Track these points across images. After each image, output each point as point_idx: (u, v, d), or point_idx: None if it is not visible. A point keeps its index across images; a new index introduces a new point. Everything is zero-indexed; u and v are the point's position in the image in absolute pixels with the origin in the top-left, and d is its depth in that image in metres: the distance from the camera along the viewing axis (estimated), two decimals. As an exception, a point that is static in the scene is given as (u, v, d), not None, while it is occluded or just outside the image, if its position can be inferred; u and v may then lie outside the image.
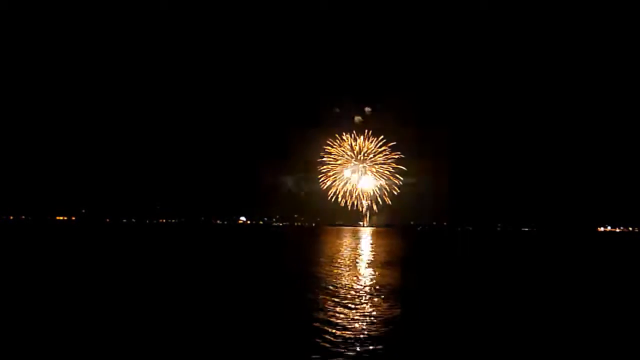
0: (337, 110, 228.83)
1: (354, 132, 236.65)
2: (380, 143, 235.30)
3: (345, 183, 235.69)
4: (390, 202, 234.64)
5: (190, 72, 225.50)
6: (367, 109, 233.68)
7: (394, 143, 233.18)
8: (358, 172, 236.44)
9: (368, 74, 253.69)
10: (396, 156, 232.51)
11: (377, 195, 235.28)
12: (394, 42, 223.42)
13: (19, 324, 10.34)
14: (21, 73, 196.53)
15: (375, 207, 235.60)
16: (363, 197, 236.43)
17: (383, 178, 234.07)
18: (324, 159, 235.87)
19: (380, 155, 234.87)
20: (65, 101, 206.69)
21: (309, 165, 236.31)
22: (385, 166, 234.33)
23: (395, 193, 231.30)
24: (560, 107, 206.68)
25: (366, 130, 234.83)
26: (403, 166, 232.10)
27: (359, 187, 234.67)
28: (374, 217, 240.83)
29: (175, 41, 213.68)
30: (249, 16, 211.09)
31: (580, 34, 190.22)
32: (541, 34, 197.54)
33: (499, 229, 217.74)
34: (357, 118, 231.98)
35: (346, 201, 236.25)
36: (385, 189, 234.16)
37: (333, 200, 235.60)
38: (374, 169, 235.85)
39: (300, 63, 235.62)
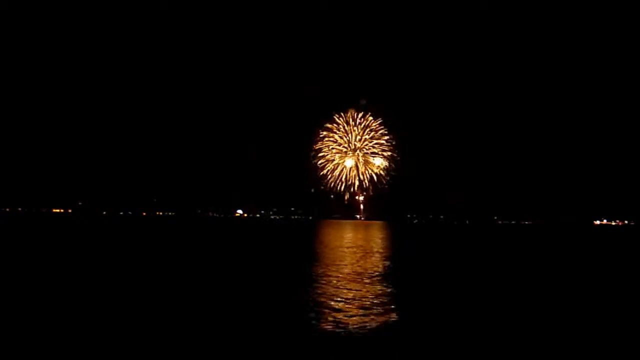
0: (364, 102, 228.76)
1: (350, 121, 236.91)
2: (376, 132, 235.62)
3: (340, 171, 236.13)
4: (386, 196, 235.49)
5: (186, 68, 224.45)
6: (363, 102, 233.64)
7: (389, 137, 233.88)
8: (353, 160, 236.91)
9: (368, 72, 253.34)
10: (389, 149, 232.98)
11: (373, 186, 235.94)
12: (393, 39, 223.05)
13: (16, 321, 10.09)
14: (19, 69, 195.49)
15: (370, 193, 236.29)
16: (359, 188, 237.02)
17: (379, 167, 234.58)
18: (317, 150, 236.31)
19: (375, 141, 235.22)
20: (62, 95, 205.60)
21: (306, 158, 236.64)
22: (380, 154, 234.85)
23: (390, 182, 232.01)
24: (557, 103, 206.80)
25: (359, 115, 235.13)
26: (400, 160, 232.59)
27: (354, 172, 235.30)
28: (370, 211, 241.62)
29: (173, 40, 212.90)
30: (248, 16, 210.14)
31: (578, 33, 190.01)
32: (541, 33, 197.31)
33: (499, 222, 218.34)
34: (362, 102, 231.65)
35: (341, 193, 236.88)
36: (381, 179, 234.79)
37: (328, 192, 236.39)
38: (369, 155, 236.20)
39: (295, 57, 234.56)
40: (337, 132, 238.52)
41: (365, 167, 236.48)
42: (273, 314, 10.96)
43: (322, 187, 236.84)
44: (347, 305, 11.86)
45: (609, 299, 14.44)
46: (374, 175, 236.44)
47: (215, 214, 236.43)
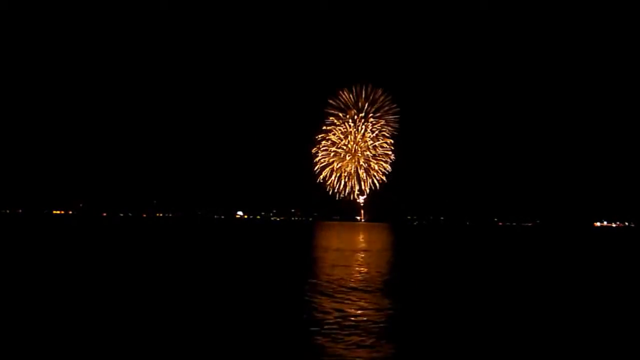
0: (364, 105, 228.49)
1: (350, 122, 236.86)
2: (379, 132, 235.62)
3: (340, 174, 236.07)
4: (386, 196, 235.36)
5: (185, 70, 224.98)
6: (363, 104, 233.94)
7: (390, 139, 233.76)
8: (353, 162, 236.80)
9: (368, 72, 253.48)
10: (390, 151, 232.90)
11: (373, 188, 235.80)
12: (392, 40, 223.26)
13: (15, 322, 10.11)
14: (20, 70, 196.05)
15: (368, 190, 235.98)
16: (358, 190, 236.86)
17: (379, 170, 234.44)
18: (315, 153, 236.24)
19: (375, 143, 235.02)
20: (63, 97, 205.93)
21: (306, 158, 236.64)
22: (380, 156, 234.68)
23: (389, 184, 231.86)
24: (558, 103, 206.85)
25: (360, 116, 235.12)
26: (400, 162, 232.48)
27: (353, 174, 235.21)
28: (370, 212, 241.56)
29: (173, 40, 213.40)
30: (248, 16, 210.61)
31: (578, 33, 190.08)
32: (541, 33, 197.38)
33: (500, 224, 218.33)
34: (361, 103, 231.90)
35: (341, 193, 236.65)
36: (380, 179, 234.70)
37: (328, 194, 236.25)
38: (370, 158, 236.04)
39: (294, 59, 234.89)
40: (337, 134, 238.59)
41: (367, 172, 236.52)
42: (261, 333, 10.50)
43: (323, 189, 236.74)
44: (343, 322, 11.71)
45: (608, 300, 14.44)
46: (375, 178, 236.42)
47: (215, 216, 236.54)
